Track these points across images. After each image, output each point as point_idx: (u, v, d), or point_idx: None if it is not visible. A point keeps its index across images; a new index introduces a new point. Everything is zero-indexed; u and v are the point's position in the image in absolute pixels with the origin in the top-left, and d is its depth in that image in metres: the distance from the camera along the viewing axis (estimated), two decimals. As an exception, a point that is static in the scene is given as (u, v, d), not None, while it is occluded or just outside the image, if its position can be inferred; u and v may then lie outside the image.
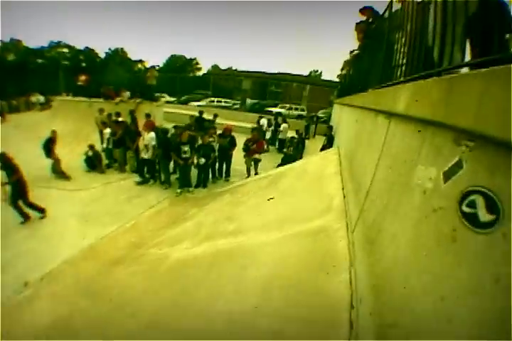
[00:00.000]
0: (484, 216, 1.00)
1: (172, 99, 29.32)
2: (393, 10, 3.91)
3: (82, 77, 16.68)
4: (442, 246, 1.21)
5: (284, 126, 15.49)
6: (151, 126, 10.49)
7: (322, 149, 10.02)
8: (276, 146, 15.53)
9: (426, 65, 2.08)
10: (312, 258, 3.14)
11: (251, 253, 3.84)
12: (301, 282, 2.82)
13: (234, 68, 44.99)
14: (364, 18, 5.70)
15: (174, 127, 10.09)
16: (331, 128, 11.54)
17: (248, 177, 10.19)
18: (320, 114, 21.62)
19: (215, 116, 15.66)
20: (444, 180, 1.26)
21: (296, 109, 26.08)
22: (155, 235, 5.98)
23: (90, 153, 10.67)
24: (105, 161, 11.04)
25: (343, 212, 3.71)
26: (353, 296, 2.32)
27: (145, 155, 9.75)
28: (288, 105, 26.72)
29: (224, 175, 10.57)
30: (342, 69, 11.98)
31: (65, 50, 39.78)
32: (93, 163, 10.69)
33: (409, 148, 1.82)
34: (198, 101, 27.81)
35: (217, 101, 28.84)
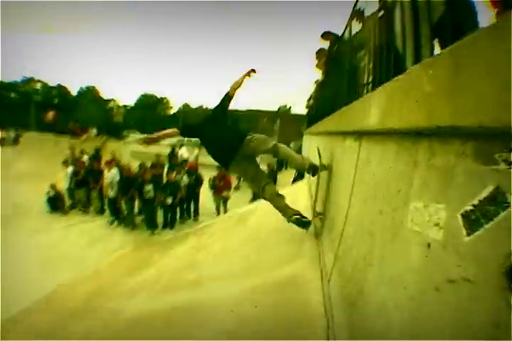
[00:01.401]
0: None
1: (142, 137, 28.98)
2: (354, 31, 3.77)
3: (50, 114, 16.30)
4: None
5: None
6: (113, 163, 10.14)
7: (294, 181, 9.72)
8: None
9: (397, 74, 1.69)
10: (281, 318, 2.58)
11: (211, 309, 3.31)
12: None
13: (205, 107, 45.24)
14: (326, 43, 5.58)
15: (140, 165, 9.86)
16: None
17: (218, 215, 9.83)
18: (291, 145, 21.50)
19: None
20: (466, 230, 0.73)
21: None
22: (115, 284, 5.54)
23: (52, 193, 10.28)
24: (69, 201, 10.73)
25: (315, 256, 3.22)
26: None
27: (111, 192, 9.39)
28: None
29: (192, 214, 10.14)
30: (309, 100, 11.97)
31: (38, 85, 39.42)
32: (55, 204, 10.30)
33: (394, 176, 1.32)
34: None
35: (188, 139, 28.61)
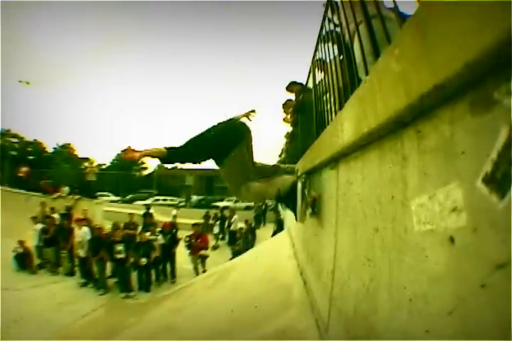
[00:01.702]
0: None
1: (116, 198, 28.82)
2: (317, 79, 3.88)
3: (23, 169, 15.92)
4: None
5: (235, 217, 15.13)
6: (84, 221, 9.92)
7: (273, 235, 9.53)
8: (226, 240, 14.94)
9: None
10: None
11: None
12: None
13: (180, 167, 45.50)
14: (292, 94, 5.71)
15: (113, 225, 9.62)
16: (278, 212, 11.27)
17: (198, 276, 9.28)
18: (268, 202, 21.67)
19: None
20: (496, 194, 0.59)
21: (244, 201, 26.46)
22: (86, 350, 5.36)
23: (20, 250, 9.71)
24: (37, 260, 10.10)
25: (307, 305, 2.96)
26: None
27: (81, 252, 9.00)
28: (234, 198, 26.94)
29: (169, 276, 9.62)
30: (280, 155, 12.25)
31: (14, 139, 38.66)
32: (23, 262, 9.70)
33: (382, 183, 1.23)
34: (143, 200, 27.29)
35: (163, 200, 28.73)
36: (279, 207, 15.80)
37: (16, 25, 56.78)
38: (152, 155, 2.98)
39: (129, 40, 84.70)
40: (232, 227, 14.79)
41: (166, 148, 2.95)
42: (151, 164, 48.34)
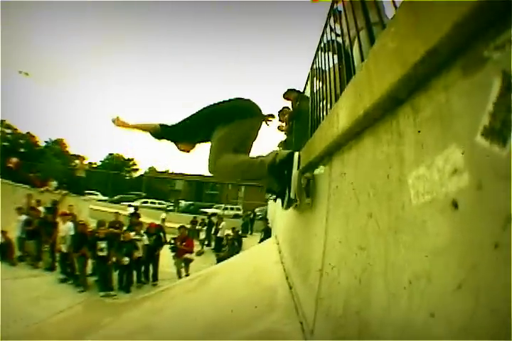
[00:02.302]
0: None
1: (104, 197, 28.71)
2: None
3: (13, 160, 15.75)
4: None
5: (223, 223, 15.04)
6: (68, 216, 9.82)
7: (260, 242, 9.48)
8: (212, 246, 14.78)
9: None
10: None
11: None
12: None
13: (171, 171, 45.13)
14: (288, 102, 5.73)
15: (98, 223, 9.50)
16: (266, 220, 11.33)
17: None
18: (257, 211, 21.81)
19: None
20: (497, 143, 0.57)
21: (232, 209, 26.96)
22: (59, 346, 5.22)
23: (2, 240, 9.71)
24: (18, 252, 10.06)
25: (291, 308, 2.89)
26: None
27: (64, 247, 8.96)
28: (223, 205, 27.24)
29: (151, 278, 9.47)
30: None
31: (8, 130, 38.14)
32: (4, 252, 9.65)
33: (377, 165, 1.22)
34: (131, 201, 27.05)
35: (151, 203, 28.52)
36: (268, 214, 15.81)
37: (16, 25, 56.78)
38: (144, 129, 2.84)
39: (129, 40, 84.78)
40: (219, 234, 14.74)
41: (160, 124, 2.82)
42: (142, 166, 48.13)
